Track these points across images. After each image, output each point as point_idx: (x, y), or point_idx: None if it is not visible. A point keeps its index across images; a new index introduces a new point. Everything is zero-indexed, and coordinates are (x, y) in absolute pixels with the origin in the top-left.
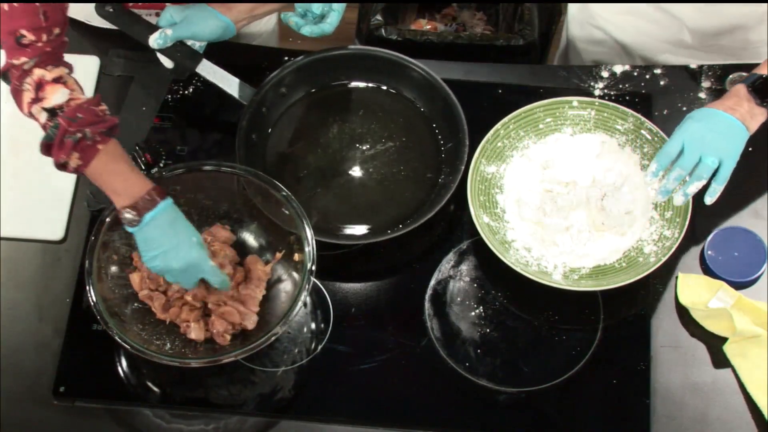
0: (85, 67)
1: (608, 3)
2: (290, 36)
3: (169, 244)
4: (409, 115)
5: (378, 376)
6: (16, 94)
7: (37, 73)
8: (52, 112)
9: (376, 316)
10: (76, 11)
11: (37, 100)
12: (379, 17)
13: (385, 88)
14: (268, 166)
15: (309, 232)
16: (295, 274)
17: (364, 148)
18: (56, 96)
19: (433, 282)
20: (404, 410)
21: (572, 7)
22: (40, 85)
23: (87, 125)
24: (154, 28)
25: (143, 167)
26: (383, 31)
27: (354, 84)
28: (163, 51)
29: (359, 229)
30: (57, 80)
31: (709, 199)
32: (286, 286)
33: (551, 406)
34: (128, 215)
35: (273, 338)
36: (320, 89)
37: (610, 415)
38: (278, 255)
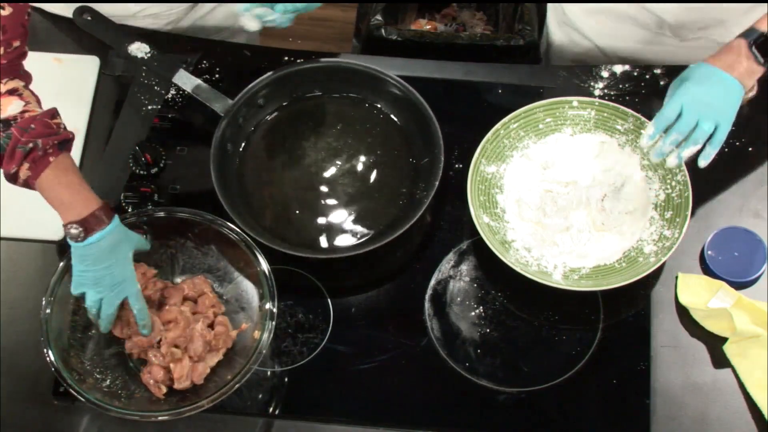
0: (85, 67)
1: (587, 3)
2: (290, 36)
3: (107, 263)
4: (385, 128)
5: (378, 376)
6: None
7: None
8: (6, 123)
9: (376, 316)
10: None
11: None
12: (378, 17)
13: (361, 99)
14: (242, 179)
15: (271, 309)
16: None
17: (340, 162)
18: (10, 107)
19: (433, 282)
20: (404, 410)
21: (549, 9)
22: None
23: (39, 136)
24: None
25: (143, 167)
26: (383, 31)
27: (331, 96)
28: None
29: (325, 243)
30: (11, 92)
31: (704, 162)
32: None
33: (551, 406)
34: (73, 231)
35: (197, 411)
36: (296, 101)
37: (610, 415)
38: (244, 326)
